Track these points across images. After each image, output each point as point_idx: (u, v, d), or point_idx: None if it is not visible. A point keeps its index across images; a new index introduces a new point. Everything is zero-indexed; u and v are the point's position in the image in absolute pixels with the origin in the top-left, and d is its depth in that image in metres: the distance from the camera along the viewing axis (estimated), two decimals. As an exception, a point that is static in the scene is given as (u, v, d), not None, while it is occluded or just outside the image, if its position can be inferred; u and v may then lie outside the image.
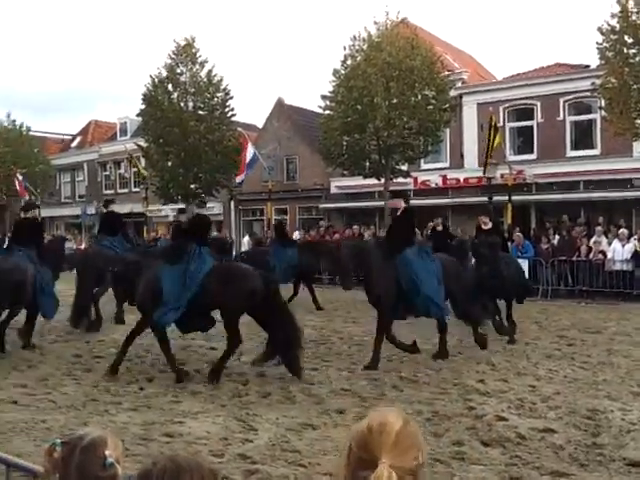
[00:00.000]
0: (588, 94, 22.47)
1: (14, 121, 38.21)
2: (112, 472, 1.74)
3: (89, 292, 12.41)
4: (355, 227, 25.17)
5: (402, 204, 9.76)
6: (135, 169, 33.66)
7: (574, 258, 18.28)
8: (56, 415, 6.60)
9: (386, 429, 1.57)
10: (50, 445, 1.78)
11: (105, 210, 14.24)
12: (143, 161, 31.34)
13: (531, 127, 25.67)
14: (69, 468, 1.73)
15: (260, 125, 34.68)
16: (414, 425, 1.65)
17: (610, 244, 18.21)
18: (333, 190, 30.14)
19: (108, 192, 40.15)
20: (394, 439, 1.56)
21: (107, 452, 1.75)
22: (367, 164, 24.30)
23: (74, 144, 44.89)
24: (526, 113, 25.79)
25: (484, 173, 22.43)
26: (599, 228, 19.07)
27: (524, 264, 18.17)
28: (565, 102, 24.62)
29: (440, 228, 17.03)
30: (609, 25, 18.58)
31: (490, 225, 12.18)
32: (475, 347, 9.97)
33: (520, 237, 19.21)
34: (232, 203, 33.63)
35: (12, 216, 39.15)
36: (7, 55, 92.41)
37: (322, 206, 30.17)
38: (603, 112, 20.63)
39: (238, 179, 26.90)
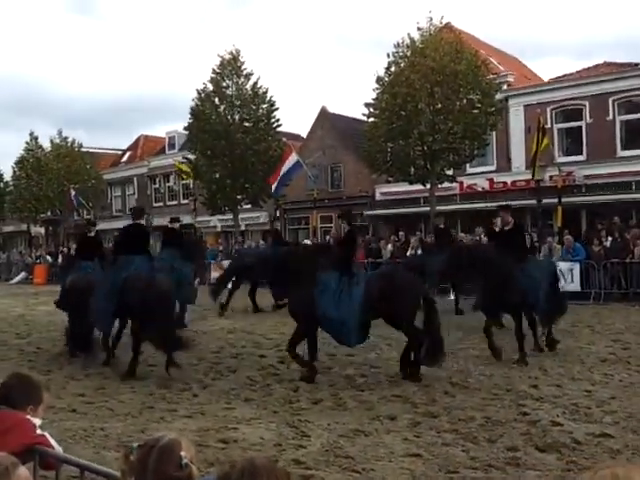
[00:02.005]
0: (638, 93, 21.99)
1: (66, 138, 39.37)
2: (188, 472, 1.82)
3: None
4: (401, 233, 25.09)
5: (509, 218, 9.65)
6: (183, 180, 34.23)
7: (627, 260, 17.86)
8: (114, 423, 6.77)
9: None
10: (127, 449, 1.87)
11: (170, 226, 14.91)
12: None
13: (580, 128, 25.24)
14: (146, 469, 1.81)
15: (304, 135, 34.92)
16: None
17: (664, 245, 17.72)
18: (378, 197, 30.13)
19: (157, 205, 41.00)
20: None
21: (182, 453, 1.83)
22: (412, 170, 24.22)
23: (124, 159, 45.96)
24: (574, 114, 25.38)
25: (533, 176, 22.07)
26: (653, 229, 18.60)
27: (575, 267, 17.89)
28: (614, 101, 24.14)
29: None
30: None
31: (512, 225, 10.57)
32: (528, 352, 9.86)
33: (570, 240, 18.87)
34: (278, 212, 33.92)
35: (65, 230, 40.35)
36: (58, 72, 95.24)
37: (367, 213, 30.16)
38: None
39: (274, 190, 26.94)
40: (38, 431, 2.79)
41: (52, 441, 2.81)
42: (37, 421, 2.83)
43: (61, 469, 2.73)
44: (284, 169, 26.20)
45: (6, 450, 2.13)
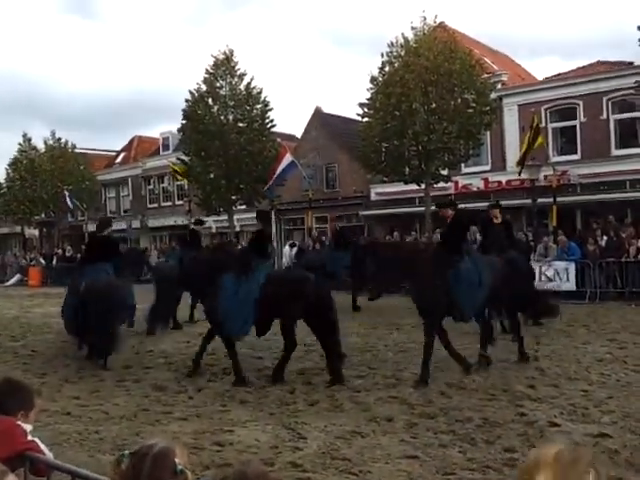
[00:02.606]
0: (632, 92, 22.02)
1: (59, 139, 39.22)
2: (183, 478, 1.78)
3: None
4: (395, 234, 25.08)
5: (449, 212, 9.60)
6: (178, 181, 34.16)
7: (622, 259, 17.87)
8: (109, 426, 6.72)
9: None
10: (118, 456, 1.83)
11: (192, 227, 15.88)
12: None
13: (574, 127, 25.28)
14: (139, 476, 1.77)
15: (299, 135, 34.89)
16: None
17: (659, 244, 17.73)
18: (373, 197, 30.11)
19: (152, 206, 40.91)
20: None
21: (177, 460, 1.79)
22: (407, 170, 24.20)
23: (118, 160, 45.84)
24: (568, 113, 25.41)
25: (519, 174, 22.21)
26: (647, 228, 18.63)
27: (571, 267, 17.89)
28: (608, 100, 24.17)
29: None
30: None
31: (500, 220, 11.67)
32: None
33: (564, 240, 18.87)
34: (273, 213, 33.86)
35: (60, 232, 40.22)
36: (52, 73, 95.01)
37: (362, 213, 30.14)
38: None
39: (266, 189, 26.98)
40: (29, 437, 2.75)
41: (43, 447, 2.76)
42: (28, 427, 2.78)
43: (52, 475, 2.68)
44: (279, 170, 26.19)
45: (-3, 456, 2.09)
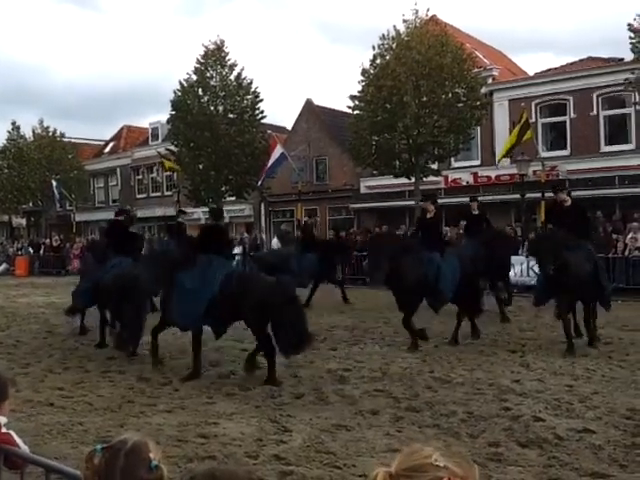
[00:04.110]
0: (622, 88, 22.07)
1: (47, 128, 38.90)
2: (159, 474, 1.75)
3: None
4: (385, 227, 25.05)
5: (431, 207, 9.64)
6: (166, 171, 34.00)
7: (610, 255, 17.93)
8: (92, 417, 6.67)
9: None
10: (90, 451, 1.79)
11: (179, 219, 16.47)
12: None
13: (564, 122, 25.33)
14: (113, 472, 1.73)
15: (289, 127, 34.79)
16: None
17: (647, 240, 17.82)
18: (363, 190, 30.09)
19: (141, 196, 40.72)
20: None
21: (151, 455, 1.76)
22: (397, 163, 24.21)
23: (107, 149, 45.54)
24: (558, 108, 25.45)
25: (497, 163, 22.39)
26: (635, 224, 18.69)
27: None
28: (598, 97, 24.23)
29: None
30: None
31: (477, 211, 13.75)
32: (507, 347, 9.89)
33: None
34: (262, 205, 33.79)
35: (47, 221, 39.96)
36: (38, 60, 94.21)
37: (352, 206, 30.12)
38: (638, 106, 20.25)
39: (260, 182, 27.00)
40: (3, 429, 2.70)
41: (18, 440, 2.71)
42: (2, 419, 2.73)
43: (26, 469, 2.64)
44: (270, 162, 26.13)
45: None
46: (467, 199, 24.58)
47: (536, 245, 10.28)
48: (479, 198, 15.45)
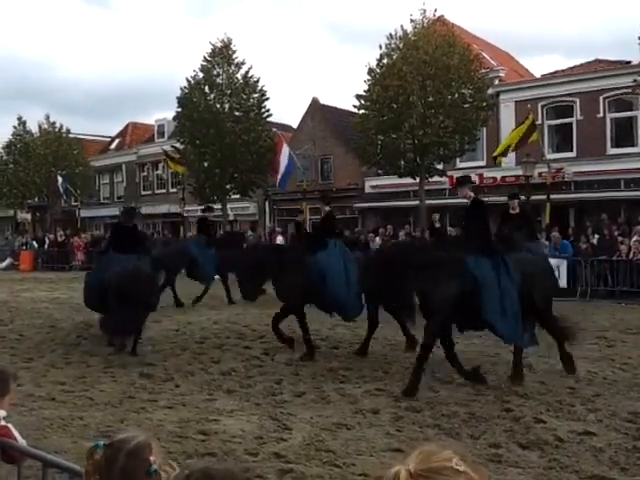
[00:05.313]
0: (629, 91, 22.01)
1: (53, 123, 38.95)
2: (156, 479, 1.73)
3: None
4: (389, 227, 25.03)
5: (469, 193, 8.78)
6: (171, 170, 34.01)
7: (614, 258, 17.89)
8: (93, 412, 6.68)
9: None
10: (92, 446, 1.78)
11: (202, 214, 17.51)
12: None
13: (570, 125, 25.25)
14: (112, 471, 1.72)
15: (295, 125, 34.76)
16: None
17: (652, 244, 17.74)
18: (368, 190, 30.05)
19: (146, 193, 40.78)
20: None
21: (152, 458, 1.74)
22: (402, 163, 24.14)
23: (113, 146, 45.60)
24: (565, 110, 25.37)
25: (494, 160, 22.38)
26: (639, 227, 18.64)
27: (562, 264, 17.89)
28: (605, 99, 24.15)
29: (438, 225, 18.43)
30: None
31: (518, 210, 12.80)
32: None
33: (557, 237, 18.88)
34: (267, 203, 33.79)
35: (52, 216, 40.03)
36: (44, 56, 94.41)
37: (357, 206, 30.09)
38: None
39: (278, 184, 26.78)
40: (2, 422, 2.70)
41: (16, 433, 2.71)
42: (2, 412, 2.73)
43: (24, 462, 2.64)
44: (284, 162, 25.90)
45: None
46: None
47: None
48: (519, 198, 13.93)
